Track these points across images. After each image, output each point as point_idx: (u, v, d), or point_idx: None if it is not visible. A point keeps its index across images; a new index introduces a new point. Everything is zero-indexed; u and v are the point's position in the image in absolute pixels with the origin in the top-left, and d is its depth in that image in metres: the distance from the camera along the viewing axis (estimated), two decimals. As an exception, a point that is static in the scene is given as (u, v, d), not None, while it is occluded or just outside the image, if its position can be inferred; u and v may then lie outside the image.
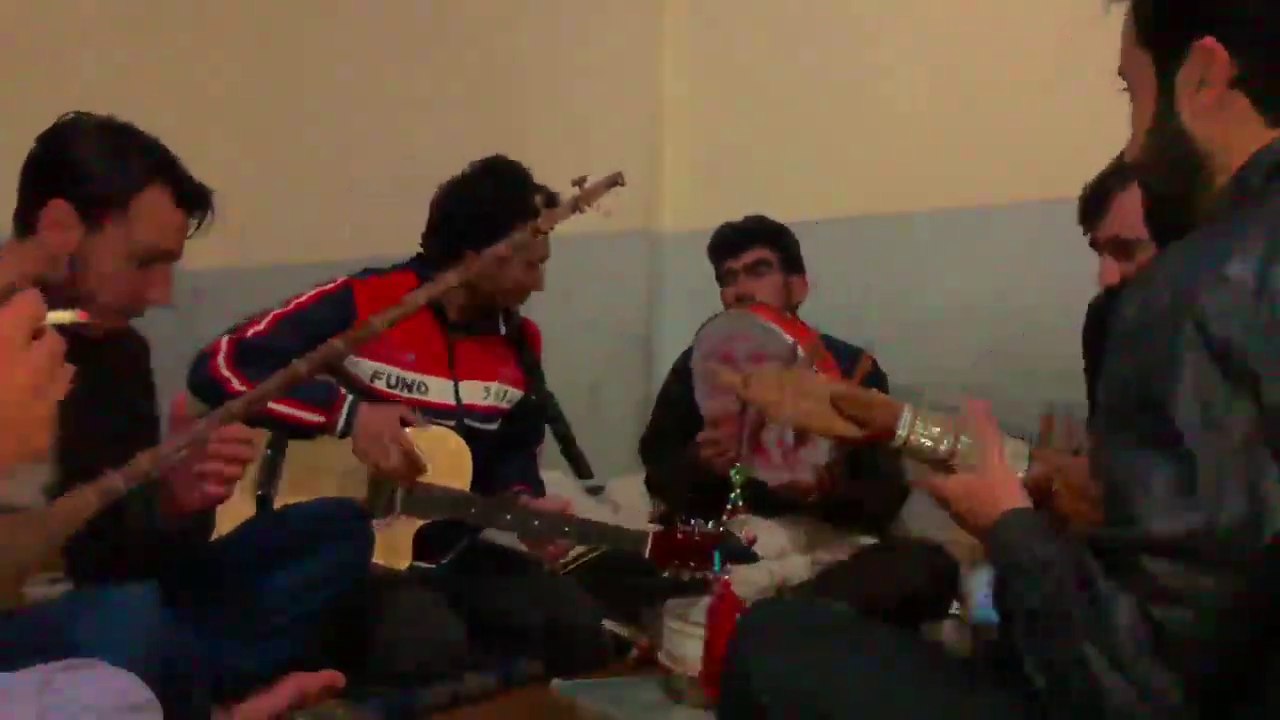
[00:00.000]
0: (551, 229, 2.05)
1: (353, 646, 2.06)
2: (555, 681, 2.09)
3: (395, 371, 2.41)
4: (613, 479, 3.07)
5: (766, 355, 2.16)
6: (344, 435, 2.27)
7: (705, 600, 2.07)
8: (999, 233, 3.04)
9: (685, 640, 1.98)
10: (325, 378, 2.33)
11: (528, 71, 3.66)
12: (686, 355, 2.71)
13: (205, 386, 2.19)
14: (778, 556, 2.50)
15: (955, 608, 2.56)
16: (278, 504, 2.30)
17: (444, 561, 2.46)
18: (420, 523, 2.36)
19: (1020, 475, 1.23)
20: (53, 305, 0.89)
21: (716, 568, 2.07)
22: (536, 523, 2.36)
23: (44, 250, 1.63)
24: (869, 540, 2.69)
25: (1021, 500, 1.17)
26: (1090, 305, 2.24)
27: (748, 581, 2.32)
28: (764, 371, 1.35)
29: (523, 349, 2.62)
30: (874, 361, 2.35)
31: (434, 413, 2.43)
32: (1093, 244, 2.06)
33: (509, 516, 2.37)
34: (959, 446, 1.25)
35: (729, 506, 2.02)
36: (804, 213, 3.05)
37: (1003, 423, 1.25)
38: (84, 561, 1.70)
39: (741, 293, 2.75)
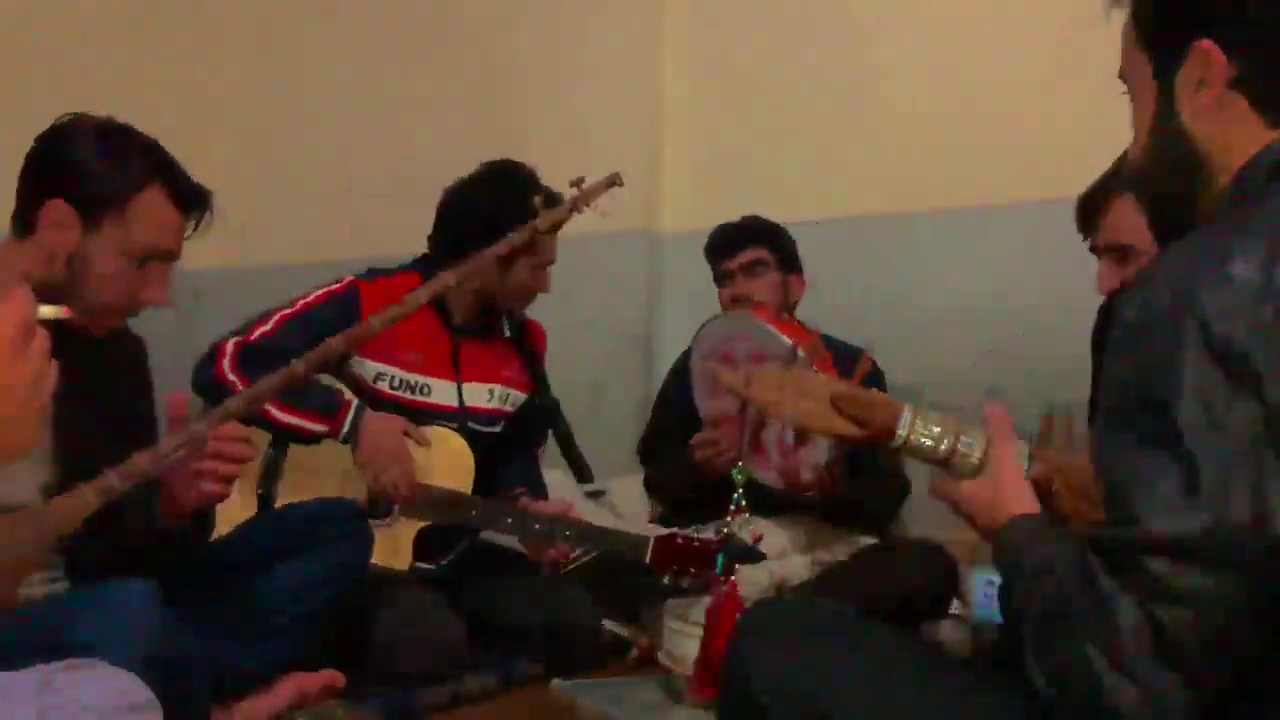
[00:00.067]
0: (549, 229, 2.06)
1: (353, 646, 2.06)
2: (555, 681, 2.09)
3: (399, 373, 2.41)
4: (612, 479, 3.07)
5: (765, 356, 2.16)
6: (347, 441, 2.27)
7: (705, 600, 2.07)
8: (999, 233, 3.04)
9: (685, 640, 1.98)
10: (329, 382, 2.33)
11: (528, 71, 3.66)
12: (686, 356, 2.71)
13: (210, 389, 2.19)
14: (778, 556, 2.50)
15: (955, 608, 2.56)
16: (279, 503, 2.30)
17: (444, 562, 2.46)
18: (421, 524, 2.36)
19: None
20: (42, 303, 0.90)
21: (719, 570, 2.07)
22: (537, 525, 2.36)
23: (43, 250, 1.63)
24: (869, 540, 2.69)
25: (1031, 505, 1.18)
26: (1100, 308, 2.25)
27: (748, 581, 2.32)
28: (765, 371, 1.35)
29: (526, 351, 2.62)
30: (873, 361, 2.36)
31: (437, 414, 2.43)
32: (1092, 249, 2.07)
33: (509, 519, 2.37)
34: (959, 446, 1.25)
35: (732, 506, 2.02)
36: (804, 213, 3.05)
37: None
38: (84, 561, 1.70)
39: (738, 293, 2.75)
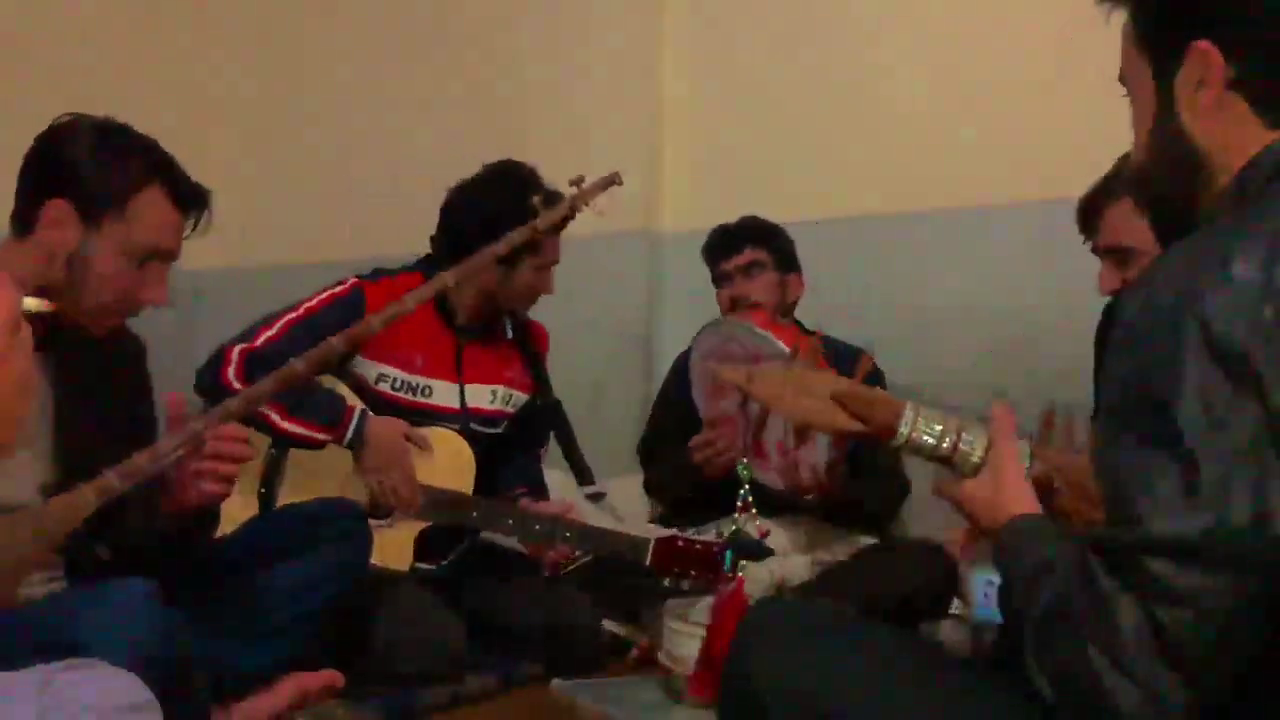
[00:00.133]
0: (548, 228, 2.06)
1: (353, 646, 2.06)
2: (555, 681, 2.09)
3: (400, 375, 2.41)
4: (612, 480, 3.06)
5: (762, 361, 2.17)
6: (351, 447, 2.27)
7: (705, 600, 2.07)
8: (999, 233, 3.04)
9: (685, 640, 1.98)
10: (331, 386, 2.33)
11: (528, 71, 3.66)
12: (686, 356, 2.71)
13: (214, 394, 2.18)
14: (778, 556, 2.50)
15: (955, 608, 2.56)
16: (279, 504, 2.30)
17: (444, 563, 2.46)
18: (422, 525, 2.36)
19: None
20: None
21: (727, 566, 2.07)
22: (538, 526, 2.36)
23: (42, 250, 1.63)
24: (869, 540, 2.69)
25: (1031, 504, 1.18)
26: (1105, 309, 2.25)
27: (749, 580, 2.32)
28: (767, 368, 1.35)
29: (529, 352, 2.62)
30: (873, 361, 2.36)
31: (439, 416, 2.43)
32: (1094, 251, 2.09)
33: (510, 520, 2.37)
34: (961, 444, 1.25)
35: (739, 502, 2.02)
36: (804, 213, 3.05)
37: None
38: (83, 560, 1.70)
39: (736, 294, 2.75)
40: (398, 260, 2.53)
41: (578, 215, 2.03)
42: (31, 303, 0.93)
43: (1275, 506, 0.89)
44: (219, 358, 2.22)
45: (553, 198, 2.18)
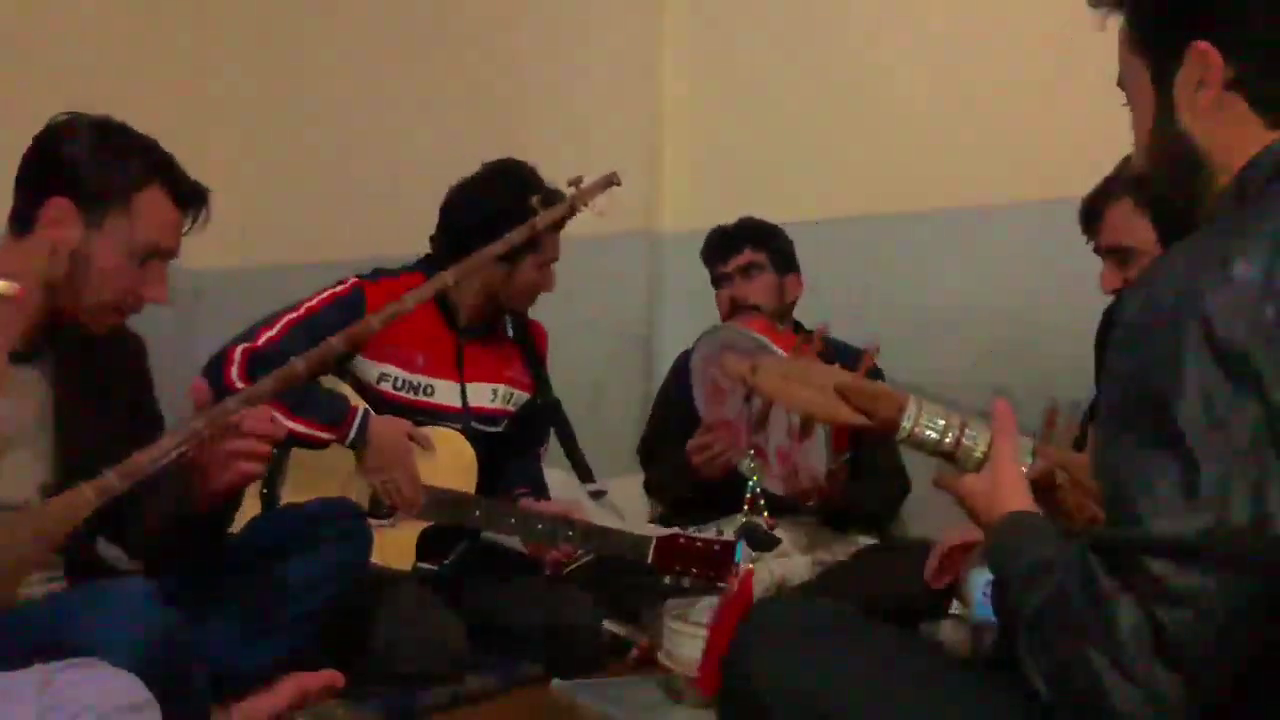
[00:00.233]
0: (547, 227, 2.06)
1: (353, 646, 2.06)
2: (555, 681, 2.09)
3: (402, 374, 2.41)
4: (612, 479, 3.07)
5: None
6: (354, 447, 2.27)
7: (706, 600, 2.07)
8: (999, 233, 3.04)
9: (685, 640, 1.98)
10: (332, 386, 2.33)
11: (528, 71, 3.66)
12: (686, 356, 2.72)
13: (218, 394, 2.18)
14: (778, 556, 2.50)
15: (955, 608, 2.55)
16: (281, 503, 2.30)
17: (445, 563, 2.46)
18: (424, 524, 2.36)
19: (1024, 470, 1.23)
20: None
21: (738, 558, 2.07)
22: (539, 526, 2.36)
23: (43, 248, 1.63)
24: (869, 540, 2.69)
25: (1027, 503, 1.18)
26: (1105, 311, 2.26)
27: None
28: (771, 360, 1.36)
29: (529, 351, 2.62)
30: (874, 360, 2.37)
31: (440, 415, 2.43)
32: (1095, 251, 2.10)
33: (512, 520, 2.37)
34: (963, 440, 1.25)
35: (747, 495, 2.02)
36: (804, 213, 3.05)
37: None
38: (83, 560, 1.70)
39: (735, 296, 2.75)
40: (398, 260, 2.53)
41: (577, 214, 2.04)
42: (1, 285, 0.94)
43: (1275, 507, 0.89)
44: (221, 358, 2.22)
45: (552, 196, 2.19)
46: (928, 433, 1.27)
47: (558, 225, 2.14)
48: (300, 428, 2.20)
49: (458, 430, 2.43)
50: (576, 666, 2.21)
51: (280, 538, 1.87)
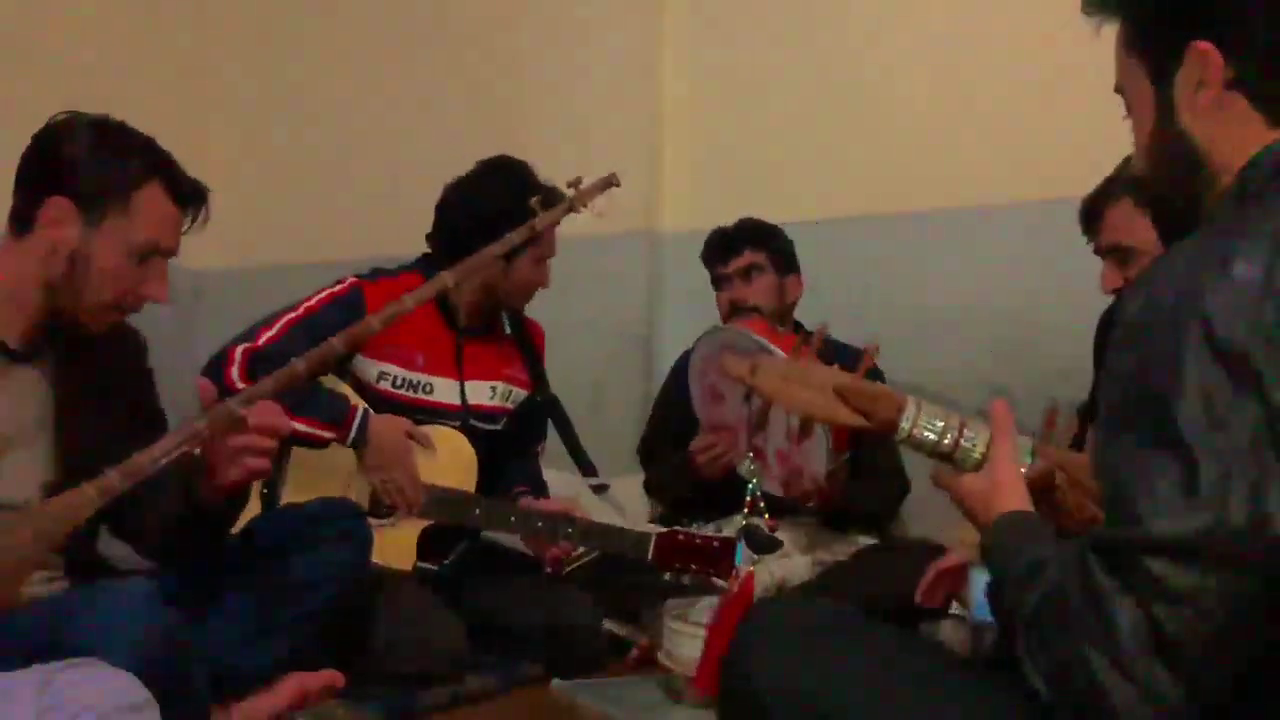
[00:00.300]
0: (546, 228, 2.06)
1: (353, 646, 2.06)
2: (555, 681, 2.09)
3: (401, 372, 2.41)
4: (613, 479, 3.07)
5: None
6: (354, 446, 2.27)
7: (706, 600, 2.07)
8: (999, 233, 3.04)
9: (685, 640, 1.98)
10: (333, 385, 2.34)
11: (528, 71, 3.66)
12: (686, 357, 2.71)
13: (219, 394, 2.19)
14: (778, 556, 2.50)
15: (955, 608, 2.56)
16: (282, 503, 2.30)
17: (445, 562, 2.47)
18: (424, 524, 2.36)
19: (1023, 471, 1.23)
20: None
21: (739, 559, 2.07)
22: (540, 524, 2.36)
23: (43, 247, 1.63)
24: (869, 540, 2.69)
25: (1022, 503, 1.18)
26: (1101, 317, 2.26)
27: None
28: (771, 361, 1.36)
29: (527, 349, 2.62)
30: (874, 360, 2.37)
31: (439, 413, 2.44)
32: (1096, 252, 2.10)
33: (512, 518, 2.37)
34: (962, 440, 1.25)
35: (748, 498, 2.02)
36: (804, 213, 3.05)
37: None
38: (83, 560, 1.70)
39: (735, 298, 2.75)
40: (398, 260, 2.54)
41: (578, 216, 2.04)
42: None
43: (1275, 507, 0.89)
44: (222, 358, 2.22)
45: (549, 194, 2.19)
46: (926, 433, 1.27)
47: (554, 224, 2.14)
48: (301, 427, 2.20)
49: (457, 428, 2.43)
50: (576, 666, 2.21)
51: (281, 538, 1.87)
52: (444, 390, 2.46)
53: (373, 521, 2.13)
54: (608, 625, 2.45)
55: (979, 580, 2.27)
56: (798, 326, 2.83)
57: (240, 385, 2.15)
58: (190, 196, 1.72)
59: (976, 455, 1.25)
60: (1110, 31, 1.15)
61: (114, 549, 1.80)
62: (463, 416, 2.47)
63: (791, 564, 2.55)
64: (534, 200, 2.03)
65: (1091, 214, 2.09)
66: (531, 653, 2.30)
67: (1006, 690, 1.02)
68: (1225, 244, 0.95)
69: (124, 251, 1.65)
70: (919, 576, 2.47)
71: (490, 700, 2.19)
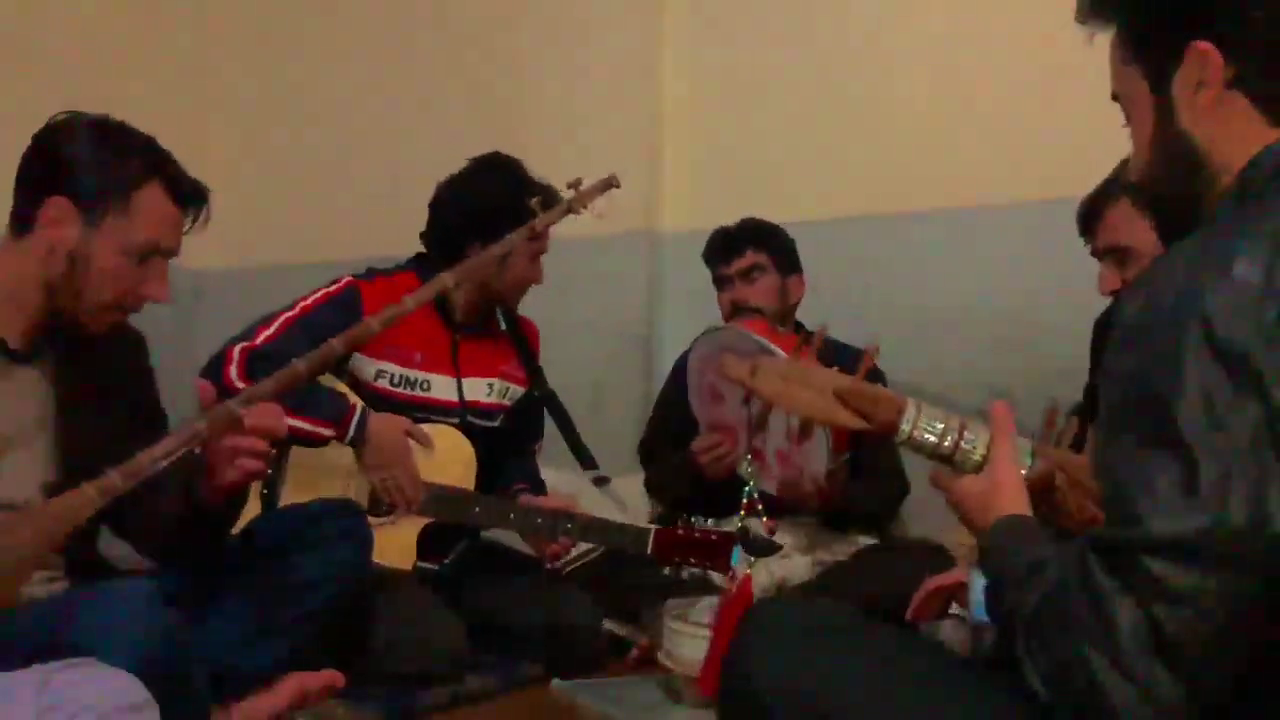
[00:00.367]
0: (546, 230, 2.07)
1: (353, 646, 2.06)
2: (555, 681, 2.09)
3: (399, 370, 2.42)
4: (613, 479, 3.07)
5: None
6: (353, 445, 2.27)
7: (706, 600, 2.07)
8: (999, 233, 3.04)
9: (685, 640, 1.98)
10: (333, 384, 2.34)
11: (528, 71, 3.66)
12: (685, 357, 2.71)
13: (218, 393, 2.19)
14: (778, 557, 2.50)
15: (955, 608, 2.56)
16: (282, 503, 2.30)
17: (445, 562, 2.47)
18: (424, 521, 2.36)
19: (1023, 472, 1.23)
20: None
21: (734, 561, 2.07)
22: (539, 520, 2.37)
23: (42, 248, 1.63)
24: (869, 540, 2.69)
25: (1022, 505, 1.18)
26: (1096, 322, 2.26)
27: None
28: (770, 362, 1.36)
29: (522, 345, 2.63)
30: (874, 361, 2.37)
31: (437, 410, 2.44)
32: (1093, 253, 2.10)
33: (512, 515, 2.38)
34: (962, 443, 1.25)
35: (745, 500, 2.02)
36: (804, 213, 3.04)
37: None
38: (83, 560, 1.70)
39: (737, 298, 2.75)
40: (398, 260, 2.54)
41: (577, 217, 2.04)
42: None
43: (1275, 507, 0.89)
44: (221, 357, 2.23)
45: (543, 191, 2.20)
46: (927, 435, 1.27)
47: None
48: (300, 424, 2.21)
49: (455, 425, 2.44)
50: (576, 666, 2.22)
51: (281, 538, 1.87)
52: (441, 387, 2.46)
53: (372, 520, 2.13)
54: (608, 625, 2.46)
55: (979, 581, 2.27)
56: (798, 327, 2.83)
57: (239, 384, 2.16)
58: (191, 197, 1.72)
59: (977, 457, 1.25)
60: (1103, 38, 1.15)
61: (114, 549, 1.80)
62: (460, 413, 2.47)
63: (791, 564, 2.55)
64: (534, 201, 2.03)
65: (1089, 216, 2.09)
66: (531, 653, 2.31)
67: (1006, 690, 1.02)
68: (1226, 244, 0.95)
69: (124, 251, 1.65)
70: (919, 576, 2.47)
71: (490, 700, 2.19)
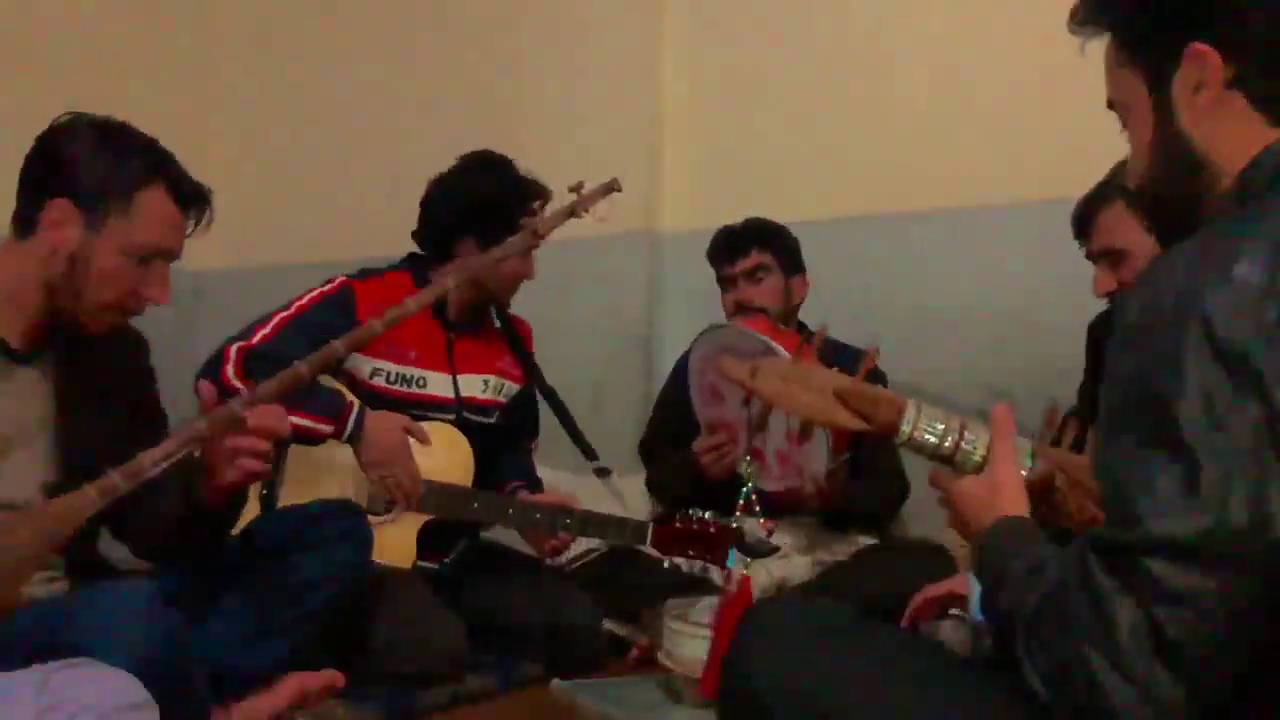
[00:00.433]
0: (548, 234, 2.07)
1: (353, 646, 2.06)
2: (555, 681, 2.09)
3: (394, 368, 2.42)
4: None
5: None
6: (350, 442, 2.27)
7: (706, 600, 2.07)
8: (999, 233, 3.03)
9: (685, 640, 1.98)
10: (330, 382, 2.34)
11: (528, 71, 3.66)
12: (686, 357, 2.71)
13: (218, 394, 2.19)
14: (778, 557, 2.50)
15: (955, 608, 2.56)
16: (281, 504, 2.30)
17: (445, 561, 2.47)
18: (424, 519, 2.37)
19: (1024, 473, 1.23)
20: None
21: (730, 562, 2.07)
22: (538, 515, 2.37)
23: (44, 249, 1.63)
24: (869, 540, 2.69)
25: (1021, 505, 1.18)
26: (1090, 325, 2.26)
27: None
28: (770, 363, 1.36)
29: (515, 341, 2.63)
30: (875, 361, 2.37)
31: (433, 407, 2.45)
32: (1088, 256, 2.10)
33: (511, 510, 2.38)
34: (962, 444, 1.25)
35: (741, 501, 2.03)
36: (804, 213, 3.04)
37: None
38: (84, 560, 1.70)
39: (741, 298, 2.74)
40: (396, 260, 2.54)
41: (577, 220, 2.04)
42: None
43: (1275, 507, 0.89)
44: (218, 357, 2.24)
45: (535, 188, 2.21)
46: (927, 437, 1.27)
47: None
48: (299, 421, 2.21)
49: (451, 422, 2.44)
50: (576, 666, 2.22)
51: (280, 538, 1.87)
52: (437, 384, 2.47)
53: (371, 518, 2.13)
54: (608, 625, 2.46)
55: (978, 581, 2.27)
56: (801, 326, 2.82)
57: (236, 383, 2.17)
58: (192, 198, 1.72)
59: (977, 458, 1.25)
60: (1095, 46, 1.15)
61: (114, 549, 1.80)
62: (456, 410, 2.48)
63: (791, 564, 2.55)
64: (536, 203, 2.04)
65: (1083, 219, 2.10)
66: (531, 653, 2.31)
67: (1006, 690, 1.02)
68: (1226, 245, 0.95)
69: (125, 253, 1.65)
70: (919, 576, 2.47)
71: (490, 700, 2.19)
